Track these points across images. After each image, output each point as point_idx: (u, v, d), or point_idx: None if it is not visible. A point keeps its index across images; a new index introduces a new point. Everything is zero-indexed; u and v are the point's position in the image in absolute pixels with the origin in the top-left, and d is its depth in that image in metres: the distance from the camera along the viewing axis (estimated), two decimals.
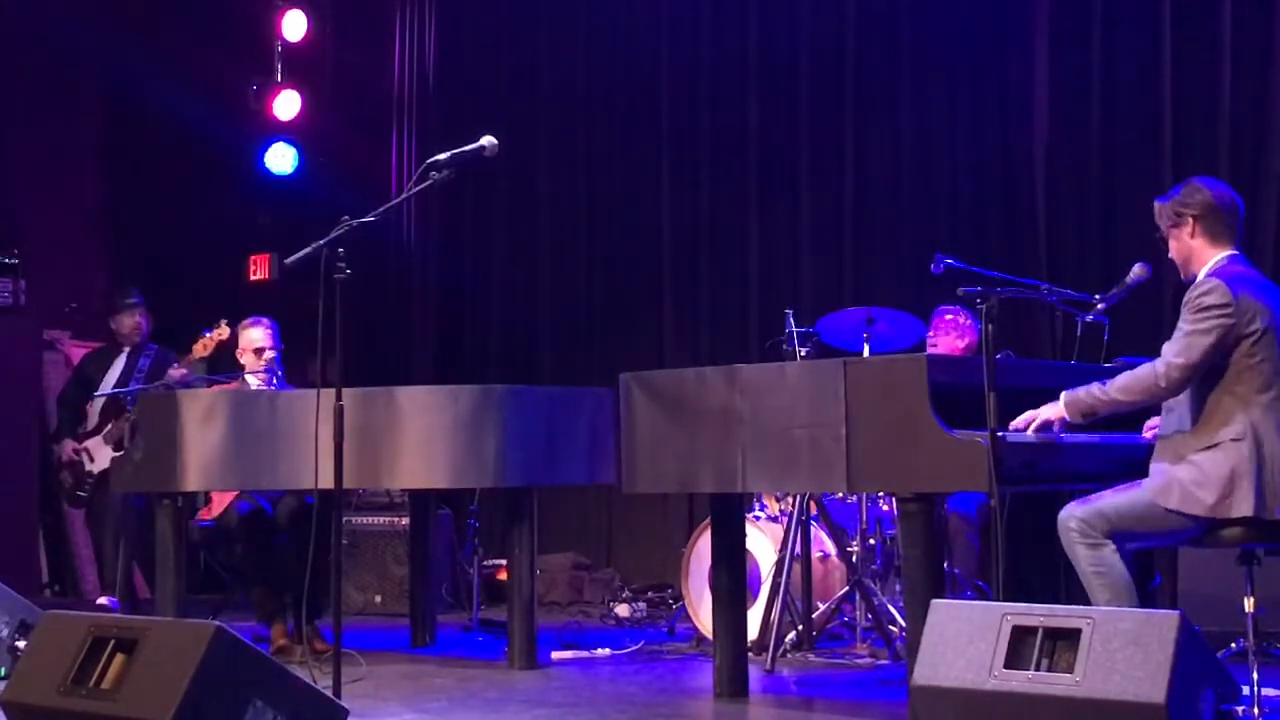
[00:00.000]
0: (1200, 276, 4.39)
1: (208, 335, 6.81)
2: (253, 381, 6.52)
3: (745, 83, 8.67)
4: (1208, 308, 4.24)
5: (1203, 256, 4.43)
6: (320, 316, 4.41)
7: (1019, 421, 4.38)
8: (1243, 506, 4.16)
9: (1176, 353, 4.25)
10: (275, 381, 6.52)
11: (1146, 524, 4.26)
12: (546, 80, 9.55)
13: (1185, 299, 4.32)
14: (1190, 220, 4.43)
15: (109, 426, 7.43)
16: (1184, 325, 4.28)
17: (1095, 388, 4.32)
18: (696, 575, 6.46)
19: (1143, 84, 7.27)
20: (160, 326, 7.95)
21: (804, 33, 8.43)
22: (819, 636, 6.29)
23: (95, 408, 7.57)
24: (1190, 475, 4.22)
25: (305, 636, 5.67)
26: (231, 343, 6.76)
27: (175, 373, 6.85)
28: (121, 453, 7.20)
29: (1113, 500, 4.30)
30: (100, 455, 7.45)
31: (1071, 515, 4.29)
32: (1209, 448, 4.22)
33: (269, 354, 6.53)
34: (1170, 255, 4.56)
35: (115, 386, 7.46)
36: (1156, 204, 4.56)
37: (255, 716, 3.59)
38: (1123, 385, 4.30)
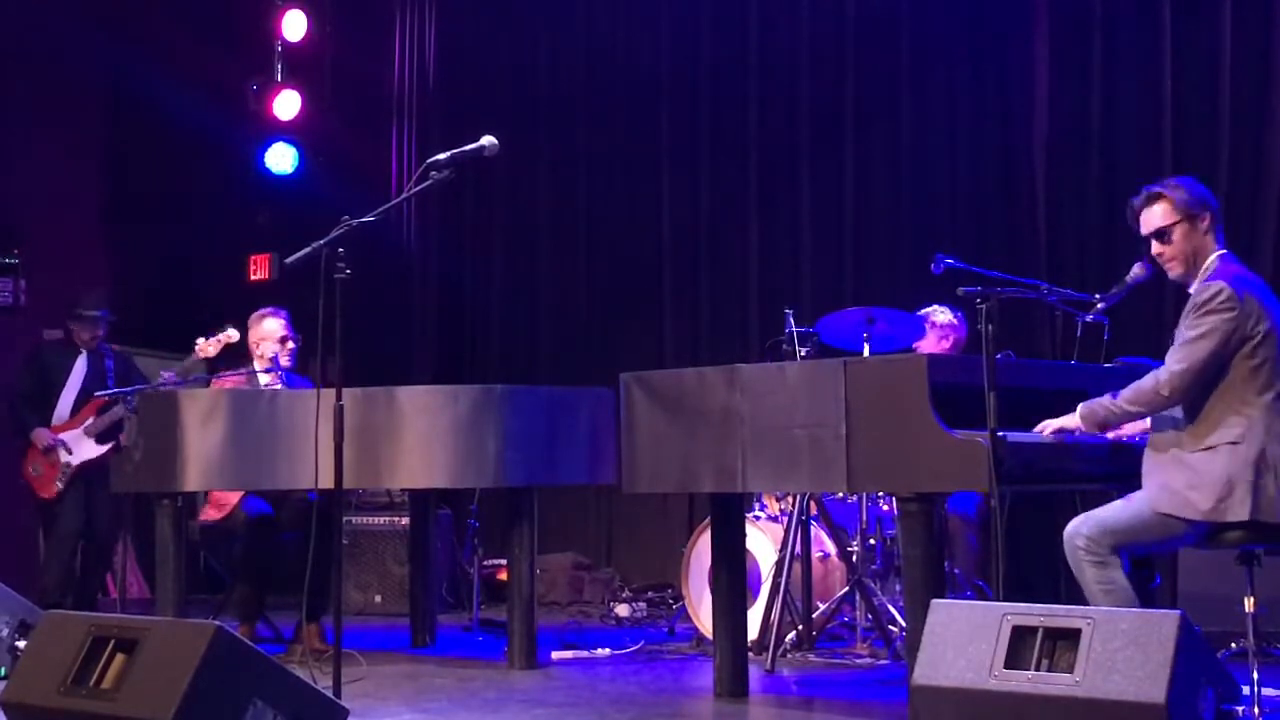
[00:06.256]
0: (1200, 278, 4.32)
1: (212, 338, 6.54)
2: (263, 379, 6.50)
3: (745, 83, 8.67)
4: (1212, 310, 4.16)
5: (1205, 255, 4.35)
6: (320, 316, 4.41)
7: (1037, 429, 4.37)
8: (1239, 511, 4.12)
9: (1179, 359, 4.18)
10: (284, 376, 6.49)
11: (1151, 534, 4.23)
12: (546, 80, 9.56)
13: (1189, 304, 4.24)
14: (1209, 216, 4.35)
15: (90, 420, 7.24)
16: (1187, 330, 4.21)
17: (1108, 400, 4.28)
18: (696, 575, 6.46)
19: (1143, 84, 7.28)
20: (161, 327, 7.92)
21: (804, 32, 8.44)
22: (819, 636, 6.29)
23: (67, 400, 7.32)
24: (1184, 478, 4.17)
25: (305, 636, 5.67)
26: (239, 345, 6.64)
27: (168, 375, 6.62)
28: (106, 447, 7.18)
29: (1117, 514, 4.25)
30: (80, 448, 7.24)
31: (1078, 533, 4.24)
32: (1204, 450, 4.18)
33: (290, 344, 6.52)
34: (1163, 253, 4.37)
35: (84, 387, 7.29)
36: (1163, 193, 4.36)
37: (255, 716, 3.59)
38: (1130, 396, 4.25)
